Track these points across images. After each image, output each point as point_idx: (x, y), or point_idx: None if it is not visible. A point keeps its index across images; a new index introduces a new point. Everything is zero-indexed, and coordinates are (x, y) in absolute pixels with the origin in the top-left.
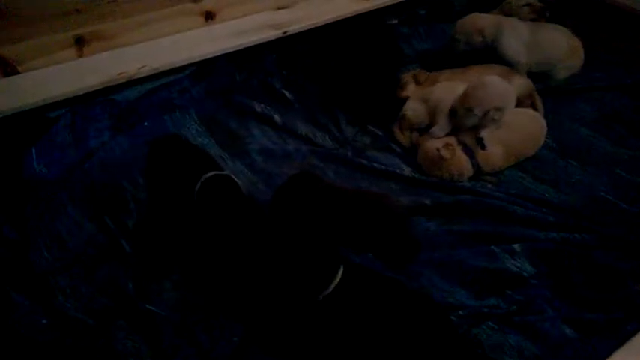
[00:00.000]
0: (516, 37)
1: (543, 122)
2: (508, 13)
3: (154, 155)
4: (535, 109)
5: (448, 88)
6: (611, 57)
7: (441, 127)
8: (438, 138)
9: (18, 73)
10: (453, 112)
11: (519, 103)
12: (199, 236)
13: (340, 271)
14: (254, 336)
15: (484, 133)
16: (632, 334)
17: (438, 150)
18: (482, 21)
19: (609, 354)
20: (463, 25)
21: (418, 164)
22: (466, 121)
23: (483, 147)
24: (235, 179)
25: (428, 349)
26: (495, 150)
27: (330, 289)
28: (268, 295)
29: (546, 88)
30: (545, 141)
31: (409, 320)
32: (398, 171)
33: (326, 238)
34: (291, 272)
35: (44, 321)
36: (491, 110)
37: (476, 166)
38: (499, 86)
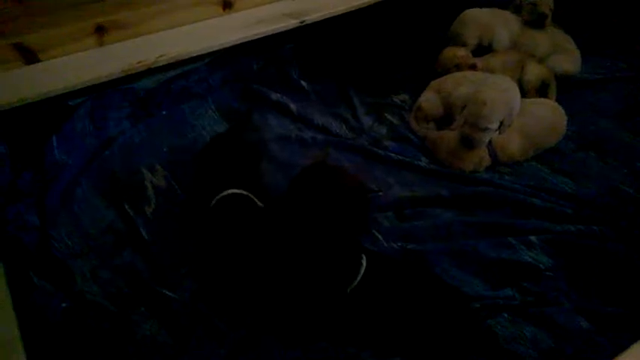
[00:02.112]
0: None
1: (563, 113)
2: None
3: (208, 149)
4: (546, 96)
5: (458, 81)
6: (634, 48)
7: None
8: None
9: (39, 61)
10: (468, 141)
11: (529, 90)
12: (220, 239)
13: (364, 263)
14: (272, 325)
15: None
16: None
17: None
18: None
19: (625, 347)
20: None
21: (434, 155)
22: (486, 139)
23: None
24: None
25: (449, 336)
26: (512, 139)
27: (357, 282)
28: (295, 290)
29: (566, 79)
30: (565, 132)
31: (431, 308)
32: (415, 161)
33: (344, 228)
34: (319, 270)
35: (64, 305)
36: (504, 119)
37: (493, 155)
38: (499, 95)
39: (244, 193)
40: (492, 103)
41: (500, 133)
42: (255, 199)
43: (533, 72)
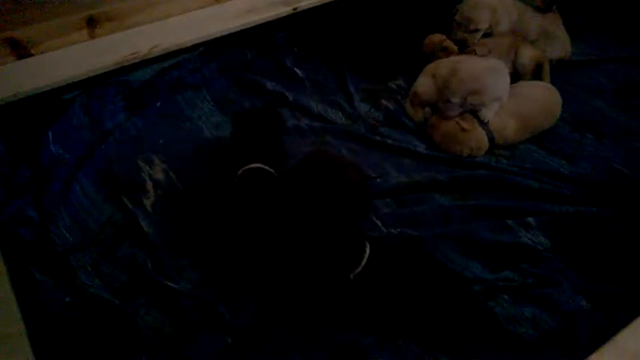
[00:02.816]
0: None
1: (558, 95)
2: None
3: (242, 121)
4: (541, 78)
5: (453, 65)
6: (626, 29)
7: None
8: (450, 118)
9: (31, 55)
10: (434, 107)
11: (525, 73)
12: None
13: (367, 249)
14: (275, 313)
15: (485, 111)
16: None
17: (457, 123)
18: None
19: (625, 325)
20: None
21: (431, 140)
22: (450, 113)
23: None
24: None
25: (451, 319)
26: (509, 122)
27: (361, 267)
28: (299, 277)
29: (561, 61)
30: (561, 114)
31: (433, 292)
32: (412, 147)
33: (346, 216)
34: (323, 257)
35: (67, 299)
36: (468, 96)
37: (491, 138)
38: (472, 70)
39: (266, 167)
40: (463, 71)
41: (483, 111)
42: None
43: (527, 55)
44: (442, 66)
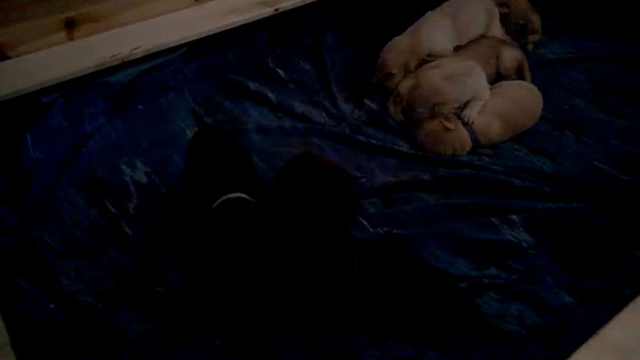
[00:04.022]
0: None
1: (540, 94)
2: None
3: (193, 147)
4: (522, 79)
5: (434, 66)
6: (603, 26)
7: None
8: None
9: (8, 58)
10: (404, 110)
11: (508, 75)
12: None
13: (355, 260)
14: (266, 315)
15: (468, 112)
16: (630, 299)
17: (441, 122)
18: None
19: (608, 319)
20: None
21: (415, 140)
22: (419, 117)
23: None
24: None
25: (439, 317)
26: (492, 123)
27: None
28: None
29: (540, 59)
30: (541, 112)
31: (420, 291)
32: (396, 147)
33: (332, 221)
34: (320, 266)
35: (51, 306)
36: (434, 106)
37: (474, 139)
38: (434, 84)
39: (246, 197)
40: (426, 86)
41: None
42: (256, 202)
43: (509, 57)
44: (405, 82)
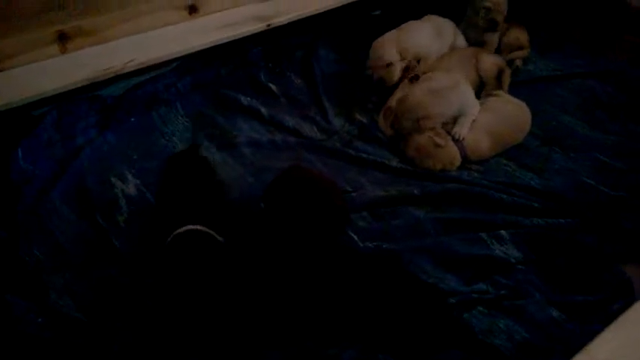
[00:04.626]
0: None
1: (528, 111)
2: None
3: (168, 171)
4: (500, 87)
5: (425, 78)
6: (589, 44)
7: None
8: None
9: (0, 70)
10: (393, 124)
11: (488, 79)
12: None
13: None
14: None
15: (458, 129)
16: (617, 314)
17: (430, 137)
18: None
19: (596, 334)
20: None
21: (405, 155)
22: (406, 131)
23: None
24: (212, 233)
25: (429, 332)
26: (482, 139)
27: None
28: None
29: (528, 76)
30: (530, 128)
31: (409, 306)
32: (386, 161)
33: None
34: (310, 279)
35: (40, 320)
36: (419, 121)
37: (464, 155)
38: (418, 99)
39: (202, 229)
40: (409, 101)
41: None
42: (215, 235)
43: (489, 61)
44: (394, 97)
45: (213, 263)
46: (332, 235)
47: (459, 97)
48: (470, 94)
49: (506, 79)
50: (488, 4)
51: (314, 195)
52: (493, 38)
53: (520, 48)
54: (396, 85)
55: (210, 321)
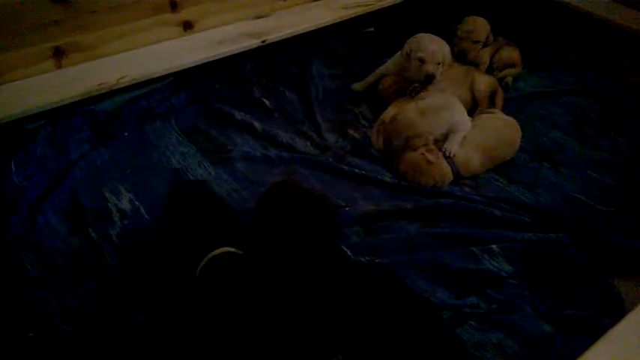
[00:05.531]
0: None
1: (519, 127)
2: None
3: (173, 202)
4: (493, 106)
5: (392, 112)
6: (580, 61)
7: None
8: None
9: None
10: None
11: (481, 99)
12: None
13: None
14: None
15: (449, 146)
16: (607, 328)
17: (423, 154)
18: None
19: (586, 348)
20: None
21: (397, 170)
22: (396, 149)
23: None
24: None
25: (421, 345)
26: (473, 155)
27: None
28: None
29: (519, 93)
30: (520, 144)
31: (402, 318)
32: (379, 176)
33: (317, 246)
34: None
35: (31, 334)
36: (409, 139)
37: (455, 171)
38: (408, 118)
39: (236, 250)
40: (399, 121)
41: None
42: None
43: (483, 82)
44: (386, 114)
45: (250, 281)
46: (324, 247)
47: (450, 118)
48: (462, 113)
49: (500, 99)
50: (421, 54)
51: (305, 206)
52: (484, 56)
53: (512, 66)
54: (388, 103)
55: (223, 337)
